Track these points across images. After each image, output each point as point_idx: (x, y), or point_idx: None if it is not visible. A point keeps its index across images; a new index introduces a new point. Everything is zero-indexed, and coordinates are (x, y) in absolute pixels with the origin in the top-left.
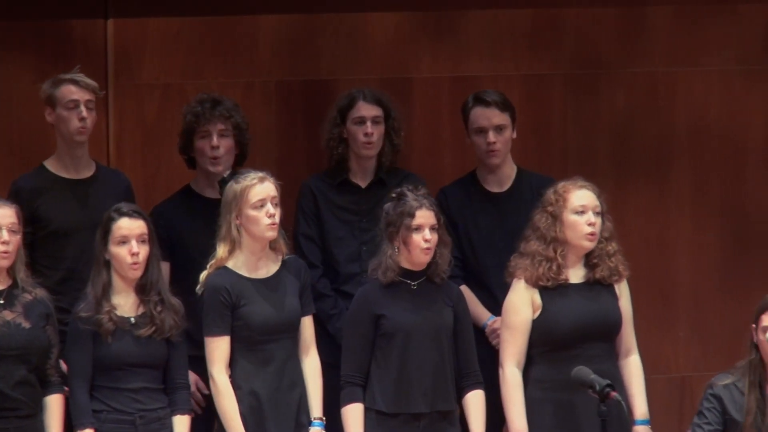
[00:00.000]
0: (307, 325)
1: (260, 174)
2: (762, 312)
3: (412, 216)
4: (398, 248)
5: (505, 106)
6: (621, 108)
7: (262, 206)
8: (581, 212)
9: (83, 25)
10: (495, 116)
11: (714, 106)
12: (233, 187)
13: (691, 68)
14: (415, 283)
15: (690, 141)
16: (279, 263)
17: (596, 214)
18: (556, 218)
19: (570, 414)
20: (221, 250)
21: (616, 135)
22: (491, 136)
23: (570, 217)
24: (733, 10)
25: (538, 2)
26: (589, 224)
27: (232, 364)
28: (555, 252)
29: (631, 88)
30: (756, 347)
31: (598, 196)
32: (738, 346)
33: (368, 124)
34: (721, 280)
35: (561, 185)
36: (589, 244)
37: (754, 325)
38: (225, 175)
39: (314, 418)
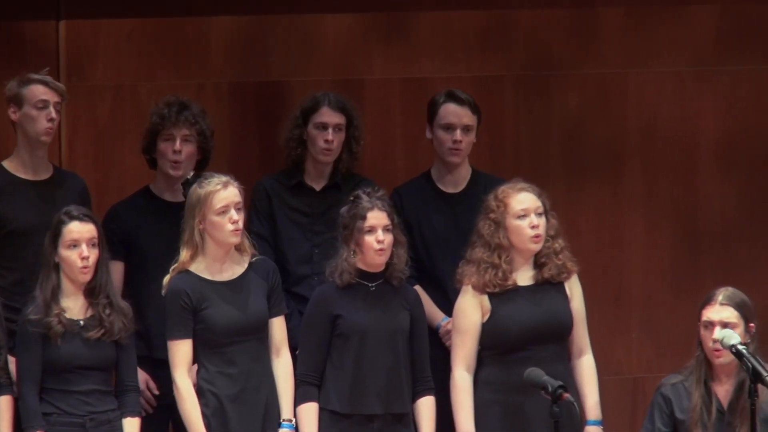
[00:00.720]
0: (278, 326)
1: (224, 179)
2: (703, 307)
3: (364, 218)
4: (354, 250)
5: (476, 108)
6: (573, 109)
7: (225, 212)
8: (523, 216)
9: (35, 26)
10: (466, 116)
11: (665, 107)
12: (197, 191)
13: (643, 69)
14: (373, 284)
15: (642, 142)
16: (245, 265)
17: (538, 215)
18: (499, 225)
19: (519, 416)
20: (184, 254)
21: (568, 136)
22: (458, 135)
23: (513, 223)
24: (684, 12)
25: (490, 4)
26: (533, 227)
27: (197, 367)
28: (500, 258)
29: (582, 89)
30: (701, 344)
31: (539, 196)
32: (690, 347)
33: (330, 131)
34: (673, 280)
35: (501, 190)
36: (535, 246)
37: (699, 322)
38: (189, 177)
39: (284, 420)
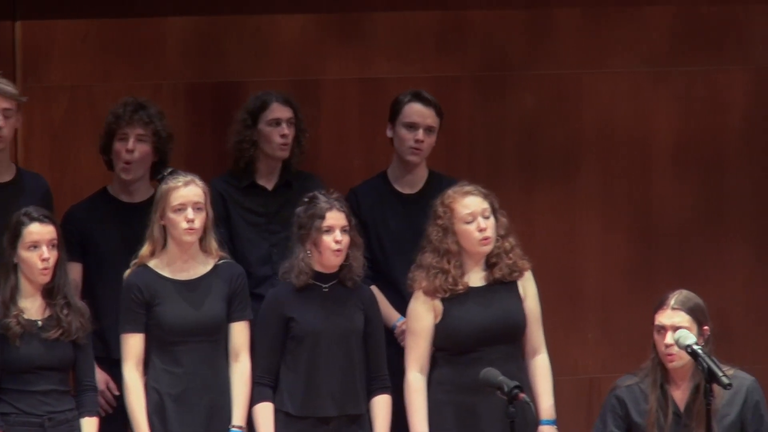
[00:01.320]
0: (239, 331)
1: (188, 177)
2: (656, 311)
3: (323, 218)
4: (310, 251)
5: (440, 111)
6: (528, 110)
7: (181, 210)
8: (470, 220)
9: None
10: (430, 117)
11: (621, 108)
12: (161, 187)
13: (598, 70)
14: (327, 286)
15: (597, 142)
16: (209, 267)
17: (485, 217)
18: (447, 230)
19: (471, 416)
20: (145, 248)
21: (524, 136)
22: (421, 134)
23: (460, 227)
24: (639, 13)
25: (445, 4)
26: (480, 230)
27: (147, 363)
28: (449, 263)
29: (538, 89)
30: (655, 347)
31: (486, 197)
32: (645, 348)
33: (284, 125)
34: (628, 280)
35: (447, 195)
36: (485, 249)
37: (653, 326)
38: (165, 174)
39: (233, 426)
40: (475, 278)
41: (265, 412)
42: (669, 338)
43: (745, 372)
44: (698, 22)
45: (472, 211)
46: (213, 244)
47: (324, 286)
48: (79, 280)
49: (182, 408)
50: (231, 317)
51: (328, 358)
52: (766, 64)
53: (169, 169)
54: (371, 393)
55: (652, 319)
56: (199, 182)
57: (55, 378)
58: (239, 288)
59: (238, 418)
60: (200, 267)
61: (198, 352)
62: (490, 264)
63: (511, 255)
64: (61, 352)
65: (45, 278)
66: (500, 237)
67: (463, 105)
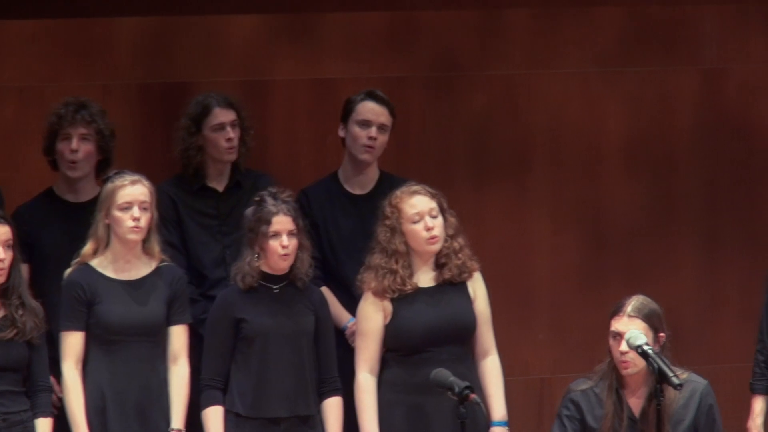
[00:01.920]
0: (178, 334)
1: (134, 176)
2: (612, 317)
3: (269, 223)
4: (258, 254)
5: (393, 111)
6: (479, 110)
7: (128, 209)
8: (417, 220)
9: None
10: (383, 115)
11: (571, 108)
12: (107, 186)
13: (549, 70)
14: (277, 287)
15: (548, 142)
16: (151, 268)
17: (433, 216)
18: (395, 230)
19: (421, 416)
20: (87, 246)
21: (475, 137)
22: (374, 132)
23: (408, 227)
24: (589, 13)
25: (396, 5)
26: (428, 229)
27: (86, 361)
28: (397, 264)
29: (489, 90)
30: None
31: (433, 197)
32: (596, 348)
33: (228, 129)
34: (579, 281)
35: (394, 196)
36: (433, 248)
37: (609, 331)
38: (111, 174)
39: (172, 429)
40: (425, 279)
41: (215, 416)
42: (624, 346)
43: (698, 375)
44: (648, 23)
45: (419, 211)
46: (155, 246)
47: (274, 287)
48: (27, 280)
49: (121, 407)
50: (170, 320)
51: (279, 359)
52: (716, 65)
53: (115, 171)
54: (322, 395)
55: (608, 324)
56: (146, 182)
57: (9, 378)
58: (180, 291)
59: (177, 421)
60: (142, 268)
61: (138, 351)
62: (439, 264)
63: (460, 255)
64: (15, 353)
65: (1, 279)
66: (449, 237)
67: (414, 105)
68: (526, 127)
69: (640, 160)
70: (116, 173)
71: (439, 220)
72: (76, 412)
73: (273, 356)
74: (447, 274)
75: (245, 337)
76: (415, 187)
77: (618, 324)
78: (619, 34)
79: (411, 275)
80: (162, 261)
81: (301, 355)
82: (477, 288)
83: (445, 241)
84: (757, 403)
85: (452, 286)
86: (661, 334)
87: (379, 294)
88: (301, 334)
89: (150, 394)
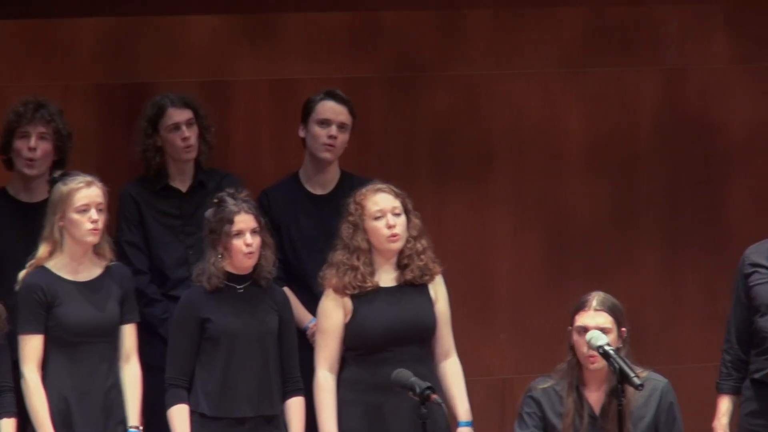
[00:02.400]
0: (129, 333)
1: (88, 178)
2: (576, 312)
3: (231, 222)
4: (221, 254)
5: (353, 111)
6: (440, 110)
7: (85, 211)
8: (379, 217)
9: None
10: (343, 114)
11: (533, 109)
12: (60, 188)
13: (510, 71)
14: (242, 287)
15: (509, 142)
16: (102, 268)
17: (396, 215)
18: (358, 227)
19: (379, 416)
20: (42, 249)
21: (436, 137)
22: (334, 130)
23: (370, 224)
24: (550, 14)
25: (357, 5)
26: (389, 227)
27: (45, 364)
28: (359, 260)
29: (450, 90)
30: (573, 349)
31: (397, 196)
32: (558, 347)
33: (183, 128)
34: (540, 281)
35: (358, 193)
36: (394, 246)
37: (570, 327)
38: (56, 176)
39: (130, 427)
40: (386, 278)
41: (180, 415)
42: (586, 336)
43: (658, 374)
44: (610, 24)
45: (382, 208)
46: (106, 246)
47: (239, 287)
48: None
49: (85, 408)
50: (122, 319)
51: (244, 359)
52: (677, 65)
53: (61, 172)
54: (285, 395)
55: (571, 321)
56: (99, 183)
57: None
58: (129, 290)
59: (133, 418)
60: (94, 269)
61: (98, 352)
62: (401, 265)
63: (422, 257)
64: None
65: None
66: (412, 238)
67: (375, 106)
68: (487, 127)
69: (602, 160)
70: (63, 174)
71: (402, 219)
72: (41, 413)
73: (238, 356)
74: (408, 275)
75: (210, 337)
76: (380, 186)
77: (585, 318)
78: (580, 35)
79: (372, 273)
80: (110, 260)
81: (266, 354)
82: (438, 290)
83: (408, 242)
84: (723, 403)
85: (413, 287)
86: (624, 329)
87: (340, 291)
88: (266, 334)
89: (110, 394)
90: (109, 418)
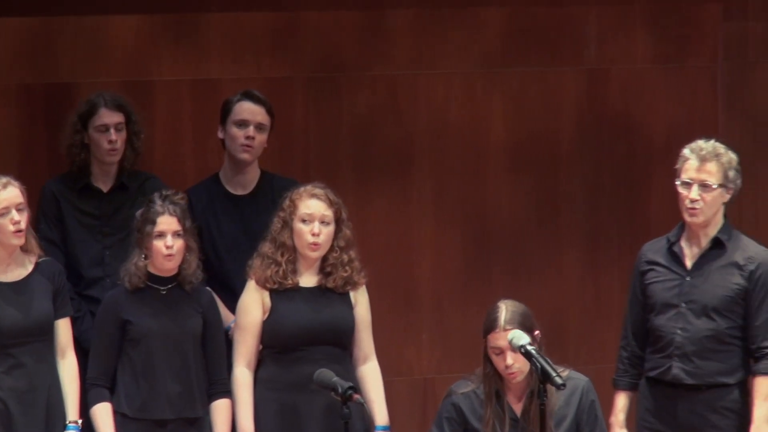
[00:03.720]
0: (64, 327)
1: (3, 179)
2: (488, 332)
3: (154, 222)
4: (145, 254)
5: (270, 111)
6: (362, 111)
7: (5, 213)
8: (307, 221)
9: None
10: (260, 114)
11: (455, 109)
12: None
13: (432, 71)
14: (165, 288)
15: (431, 143)
16: (30, 267)
17: (324, 223)
18: (286, 224)
19: (293, 414)
20: None
21: (358, 138)
22: (252, 131)
23: (297, 225)
24: (472, 14)
25: (279, 5)
26: (313, 234)
27: None
28: (282, 257)
29: (372, 90)
30: (489, 360)
31: (332, 205)
32: (481, 347)
33: (112, 131)
34: (462, 282)
35: (295, 191)
36: (311, 254)
37: (485, 340)
38: None
39: (69, 422)
40: (308, 279)
41: (104, 412)
42: (509, 359)
43: (579, 373)
44: (531, 24)
45: (311, 213)
46: (33, 242)
47: (162, 288)
48: None
49: (26, 409)
50: (55, 314)
51: (164, 361)
52: (599, 65)
53: None
54: (211, 397)
55: (485, 339)
56: (15, 182)
57: None
58: (61, 285)
59: (72, 413)
60: (22, 268)
61: (34, 353)
62: (324, 272)
63: (347, 268)
64: None
65: None
66: (339, 248)
67: (297, 106)
68: (409, 127)
69: (524, 160)
70: None
71: (329, 228)
72: None
73: (157, 358)
74: (330, 284)
75: (131, 338)
76: (318, 191)
77: (498, 340)
78: (502, 35)
79: (294, 271)
80: (39, 257)
81: (185, 357)
82: (359, 296)
83: (334, 251)
84: (620, 399)
85: (333, 292)
86: (536, 332)
87: (261, 283)
88: (188, 336)
89: (50, 392)
90: (50, 419)
